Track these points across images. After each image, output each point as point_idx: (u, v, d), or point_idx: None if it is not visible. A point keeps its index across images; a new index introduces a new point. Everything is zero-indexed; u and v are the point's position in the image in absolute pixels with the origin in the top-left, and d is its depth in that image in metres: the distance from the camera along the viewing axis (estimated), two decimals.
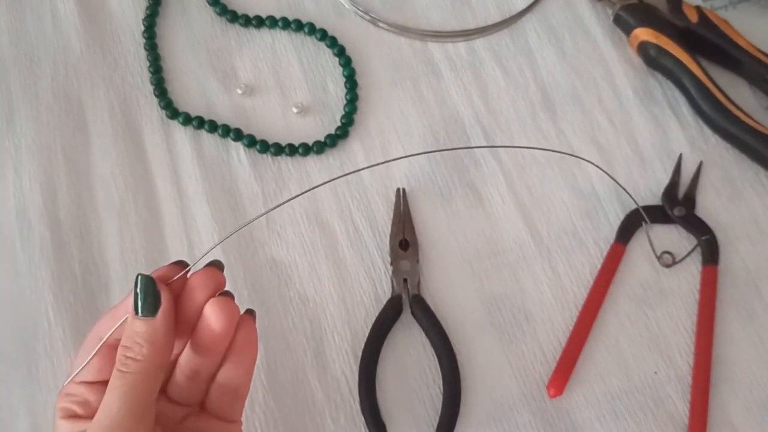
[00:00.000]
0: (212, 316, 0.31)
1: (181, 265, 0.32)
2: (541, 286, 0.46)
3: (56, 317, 0.44)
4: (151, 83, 0.50)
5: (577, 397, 0.43)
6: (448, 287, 0.46)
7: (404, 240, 0.46)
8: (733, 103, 0.49)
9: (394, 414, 0.43)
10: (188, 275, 0.32)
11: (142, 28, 0.52)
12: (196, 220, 0.47)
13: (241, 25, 0.53)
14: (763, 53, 0.51)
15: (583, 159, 0.48)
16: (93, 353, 0.32)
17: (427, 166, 0.49)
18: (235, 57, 0.52)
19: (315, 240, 0.47)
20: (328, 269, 0.46)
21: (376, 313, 0.44)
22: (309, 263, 0.46)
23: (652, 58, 0.51)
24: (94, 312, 0.44)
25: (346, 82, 0.51)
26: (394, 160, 0.40)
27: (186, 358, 0.33)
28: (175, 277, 0.31)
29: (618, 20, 0.53)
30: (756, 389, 0.44)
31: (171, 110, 0.49)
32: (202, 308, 0.31)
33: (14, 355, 0.43)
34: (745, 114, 0.49)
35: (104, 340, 0.32)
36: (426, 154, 0.49)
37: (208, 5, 0.53)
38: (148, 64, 0.51)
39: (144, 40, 0.51)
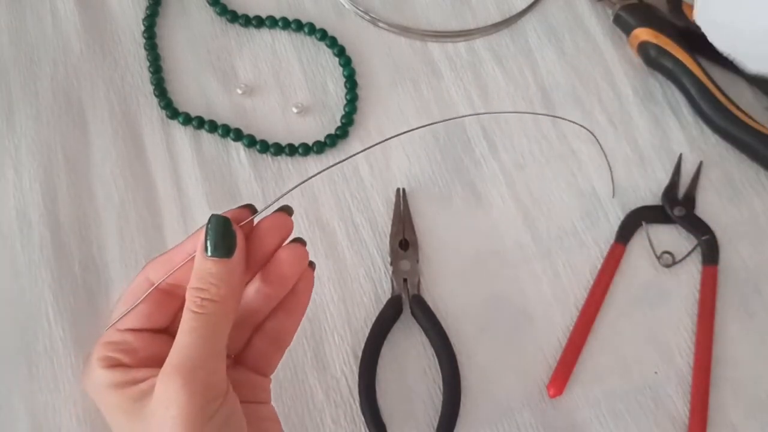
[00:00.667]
0: (286, 261, 0.30)
1: (250, 208, 0.31)
2: (541, 286, 0.46)
3: (56, 317, 0.44)
4: (151, 83, 0.50)
5: (577, 397, 0.43)
6: (448, 287, 0.46)
7: (404, 240, 0.46)
8: (733, 103, 0.49)
9: (394, 414, 0.43)
10: (255, 220, 0.31)
11: (142, 28, 0.52)
12: (196, 220, 0.47)
13: (241, 25, 0.53)
14: None
15: (569, 120, 0.49)
16: (143, 297, 0.30)
17: (427, 166, 0.49)
18: (235, 57, 0.52)
19: (315, 240, 0.46)
20: (328, 269, 0.46)
21: (376, 313, 0.44)
22: None
23: (652, 58, 0.51)
24: (94, 312, 0.44)
25: (346, 82, 0.51)
26: (390, 139, 0.37)
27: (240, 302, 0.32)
28: (247, 220, 0.30)
29: (618, 20, 0.53)
30: (756, 389, 0.44)
31: (171, 110, 0.49)
32: (270, 252, 0.30)
33: (14, 355, 0.43)
34: (745, 114, 0.49)
35: (158, 283, 0.30)
36: (427, 156, 0.49)
37: (208, 5, 0.53)
38: (148, 64, 0.51)
39: (144, 40, 0.51)
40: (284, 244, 0.31)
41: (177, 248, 0.32)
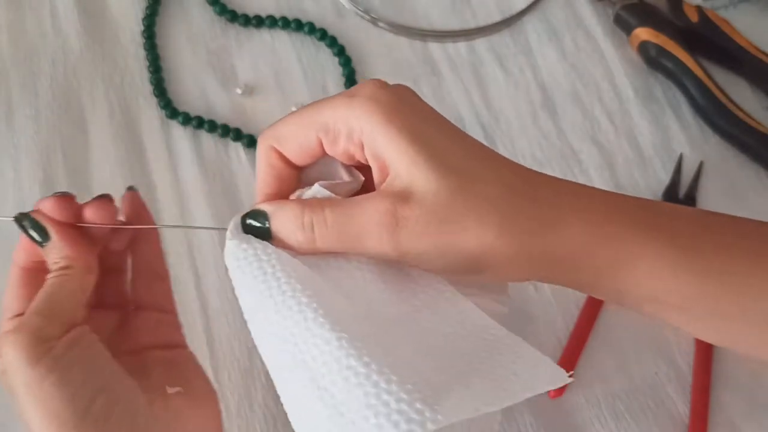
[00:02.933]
0: (90, 213, 0.33)
1: (67, 194, 0.34)
2: (541, 286, 0.46)
3: None
4: (151, 83, 0.50)
5: (577, 397, 0.43)
6: None
7: None
8: (734, 103, 0.49)
9: None
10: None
11: (142, 28, 0.52)
12: (196, 220, 0.47)
13: (240, 24, 0.53)
14: (763, 53, 0.51)
15: None
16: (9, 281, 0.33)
17: None
18: (235, 57, 0.52)
19: None
20: None
21: None
22: None
23: (652, 57, 0.51)
24: None
25: (346, 82, 0.51)
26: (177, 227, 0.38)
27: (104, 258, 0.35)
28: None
29: (618, 20, 0.53)
30: (756, 389, 0.44)
31: (170, 110, 0.49)
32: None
33: None
34: (745, 114, 0.49)
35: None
36: None
37: (207, 5, 0.53)
38: (147, 64, 0.51)
39: (144, 40, 0.51)
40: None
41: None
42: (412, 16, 0.54)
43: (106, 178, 0.47)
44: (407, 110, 0.29)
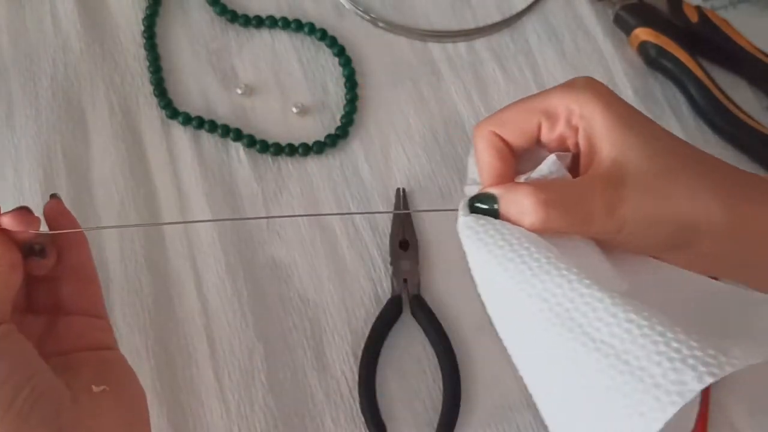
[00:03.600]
0: (7, 223, 0.33)
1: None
2: None
3: None
4: (151, 83, 0.50)
5: None
6: (448, 287, 0.46)
7: (404, 240, 0.46)
8: (733, 103, 0.49)
9: (394, 414, 0.43)
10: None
11: (142, 28, 0.52)
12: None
13: (240, 25, 0.53)
14: (763, 53, 0.51)
15: None
16: None
17: (427, 166, 0.49)
18: (235, 57, 0.52)
19: (315, 240, 0.46)
20: (328, 269, 0.46)
21: (376, 313, 0.44)
22: (309, 263, 0.46)
23: (652, 58, 0.51)
24: None
25: (346, 82, 0.51)
26: None
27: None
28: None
29: (618, 20, 0.53)
30: (756, 390, 0.44)
31: (171, 110, 0.49)
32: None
33: None
34: (745, 114, 0.49)
35: None
36: (427, 156, 0.49)
37: (207, 5, 0.53)
38: (148, 64, 0.51)
39: (144, 40, 0.51)
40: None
41: None
42: (412, 16, 0.54)
43: (106, 178, 0.47)
44: (620, 101, 0.31)
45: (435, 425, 0.42)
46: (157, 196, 0.47)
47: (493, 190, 0.31)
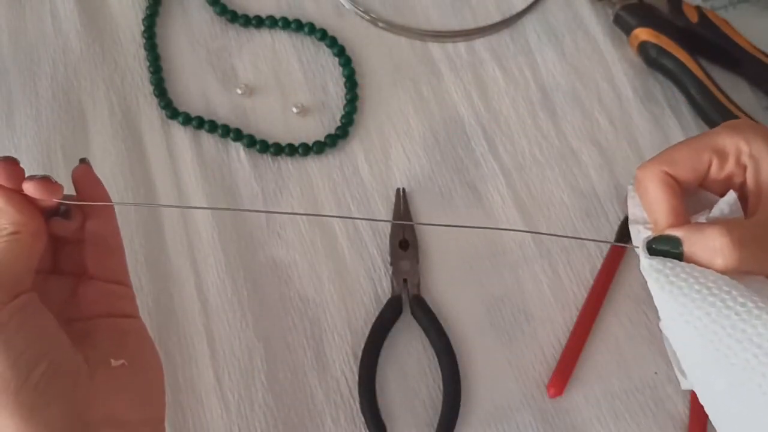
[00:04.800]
0: (30, 190, 0.33)
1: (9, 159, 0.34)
2: (541, 286, 0.46)
3: None
4: (151, 83, 0.50)
5: (577, 397, 0.43)
6: (448, 287, 0.46)
7: (404, 240, 0.46)
8: (734, 103, 0.49)
9: (394, 414, 0.43)
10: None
11: (142, 28, 0.52)
12: (196, 220, 0.47)
13: (241, 25, 0.53)
14: (763, 53, 0.51)
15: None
16: None
17: (427, 166, 0.49)
18: (235, 57, 0.52)
19: (315, 240, 0.47)
20: (328, 269, 0.46)
21: (376, 313, 0.44)
22: (309, 263, 0.46)
23: (652, 58, 0.51)
24: None
25: (346, 82, 0.51)
26: None
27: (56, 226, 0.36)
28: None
29: (618, 20, 0.53)
30: None
31: (171, 110, 0.49)
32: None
33: None
34: (746, 114, 0.49)
35: None
36: (427, 156, 0.49)
37: (208, 5, 0.53)
38: (148, 64, 0.51)
39: (144, 40, 0.51)
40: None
41: None
42: (412, 16, 0.54)
43: (106, 178, 0.47)
44: None
45: (435, 425, 0.42)
46: (157, 197, 0.47)
47: (676, 232, 0.31)
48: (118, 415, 0.33)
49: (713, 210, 0.33)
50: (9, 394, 0.29)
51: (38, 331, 0.31)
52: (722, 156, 0.33)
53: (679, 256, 0.31)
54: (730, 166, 0.33)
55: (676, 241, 0.31)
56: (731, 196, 0.32)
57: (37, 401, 0.30)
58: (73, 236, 0.36)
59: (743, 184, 0.33)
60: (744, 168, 0.32)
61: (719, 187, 0.34)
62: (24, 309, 0.31)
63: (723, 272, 0.30)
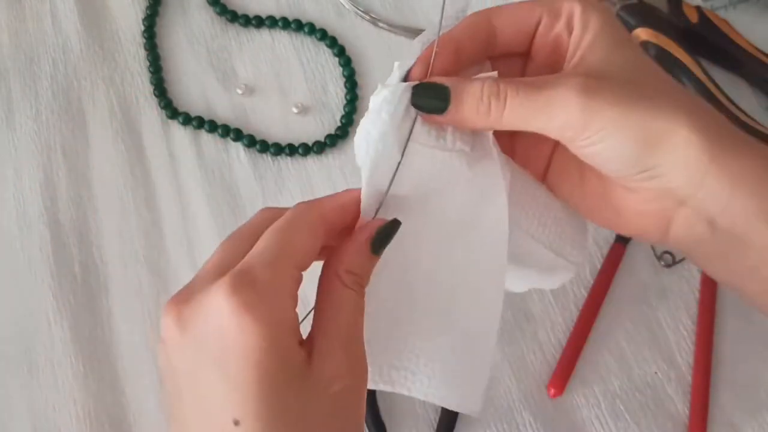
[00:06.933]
0: None
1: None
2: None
3: (56, 317, 0.44)
4: (151, 83, 0.50)
5: (577, 397, 0.43)
6: None
7: None
8: (733, 103, 0.49)
9: (394, 414, 0.43)
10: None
11: (142, 28, 0.52)
12: (196, 220, 0.47)
13: (241, 25, 0.53)
14: (763, 53, 0.51)
15: None
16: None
17: None
18: (235, 57, 0.52)
19: None
20: None
21: None
22: None
23: (652, 58, 0.51)
24: (94, 312, 0.44)
25: (346, 82, 0.51)
26: None
27: None
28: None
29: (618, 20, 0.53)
30: (756, 389, 0.44)
31: (171, 110, 0.49)
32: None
33: (14, 355, 0.43)
34: (745, 114, 0.49)
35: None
36: None
37: (208, 5, 0.53)
38: (148, 64, 0.51)
39: (144, 40, 0.51)
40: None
41: (331, 200, 0.32)
42: (412, 16, 0.54)
43: (106, 178, 0.47)
44: (617, 21, 0.31)
45: (435, 425, 0.42)
46: (157, 196, 0.47)
47: (445, 81, 0.29)
48: None
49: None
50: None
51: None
52: (554, 15, 0.30)
53: (445, 105, 0.29)
54: (559, 26, 0.30)
55: (444, 90, 0.29)
56: (495, 74, 0.30)
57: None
58: None
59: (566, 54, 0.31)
60: (570, 32, 0.30)
61: (545, 54, 0.31)
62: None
63: (479, 125, 0.29)
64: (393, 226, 0.30)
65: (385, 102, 0.29)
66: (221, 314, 0.25)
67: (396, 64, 0.31)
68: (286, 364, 0.26)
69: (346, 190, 0.31)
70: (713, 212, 0.28)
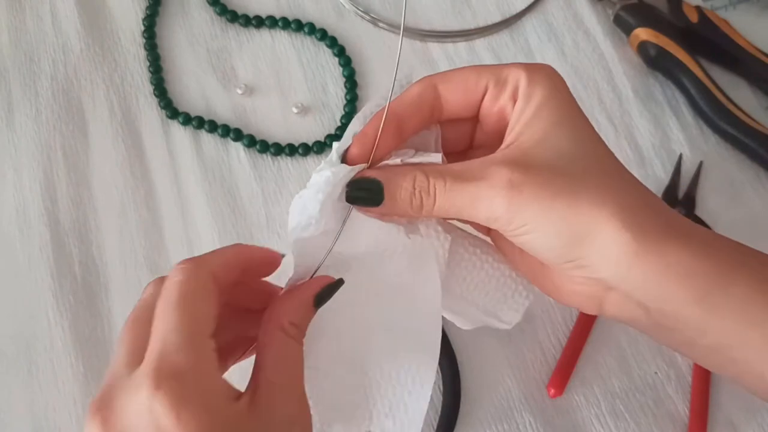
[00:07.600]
0: None
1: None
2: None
3: (56, 317, 0.44)
4: (151, 83, 0.50)
5: (577, 397, 0.43)
6: None
7: None
8: (733, 103, 0.49)
9: None
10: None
11: (142, 28, 0.52)
12: (196, 220, 0.47)
13: (241, 25, 0.53)
14: (763, 53, 0.51)
15: None
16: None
17: None
18: (235, 57, 0.52)
19: None
20: None
21: None
22: None
23: (652, 58, 0.51)
24: (94, 312, 0.44)
25: (346, 82, 0.51)
26: None
27: None
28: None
29: (618, 20, 0.53)
30: None
31: (171, 110, 0.49)
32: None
33: (14, 354, 0.43)
34: (745, 114, 0.49)
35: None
36: None
37: (208, 5, 0.53)
38: (148, 64, 0.51)
39: (144, 40, 0.51)
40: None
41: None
42: (412, 16, 0.54)
43: (106, 178, 0.47)
44: (566, 96, 0.30)
45: (435, 425, 0.42)
46: (157, 196, 0.47)
47: (377, 175, 0.30)
48: None
49: (416, 156, 0.31)
50: None
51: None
52: (500, 85, 0.30)
53: (380, 198, 0.30)
54: (504, 97, 0.30)
55: (376, 184, 0.30)
56: (438, 156, 0.31)
57: None
58: None
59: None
60: (515, 103, 0.30)
61: (491, 122, 0.31)
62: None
63: (410, 215, 0.30)
64: (337, 284, 0.31)
65: (326, 183, 0.29)
66: (155, 415, 0.24)
67: (335, 144, 0.32)
68: (232, 428, 0.26)
69: (233, 245, 0.31)
70: (643, 300, 0.29)
